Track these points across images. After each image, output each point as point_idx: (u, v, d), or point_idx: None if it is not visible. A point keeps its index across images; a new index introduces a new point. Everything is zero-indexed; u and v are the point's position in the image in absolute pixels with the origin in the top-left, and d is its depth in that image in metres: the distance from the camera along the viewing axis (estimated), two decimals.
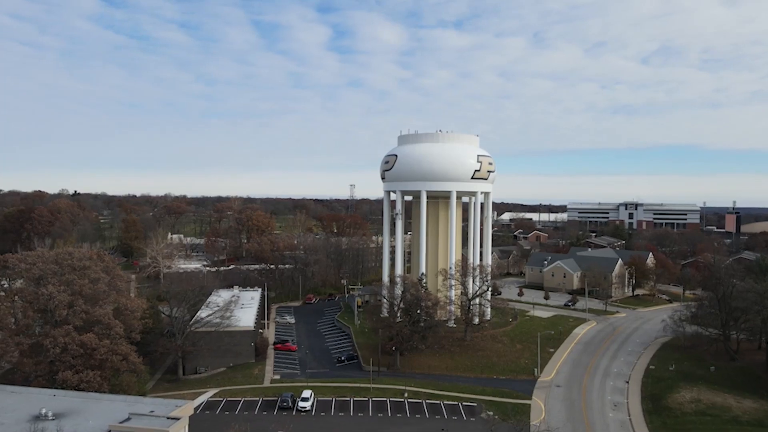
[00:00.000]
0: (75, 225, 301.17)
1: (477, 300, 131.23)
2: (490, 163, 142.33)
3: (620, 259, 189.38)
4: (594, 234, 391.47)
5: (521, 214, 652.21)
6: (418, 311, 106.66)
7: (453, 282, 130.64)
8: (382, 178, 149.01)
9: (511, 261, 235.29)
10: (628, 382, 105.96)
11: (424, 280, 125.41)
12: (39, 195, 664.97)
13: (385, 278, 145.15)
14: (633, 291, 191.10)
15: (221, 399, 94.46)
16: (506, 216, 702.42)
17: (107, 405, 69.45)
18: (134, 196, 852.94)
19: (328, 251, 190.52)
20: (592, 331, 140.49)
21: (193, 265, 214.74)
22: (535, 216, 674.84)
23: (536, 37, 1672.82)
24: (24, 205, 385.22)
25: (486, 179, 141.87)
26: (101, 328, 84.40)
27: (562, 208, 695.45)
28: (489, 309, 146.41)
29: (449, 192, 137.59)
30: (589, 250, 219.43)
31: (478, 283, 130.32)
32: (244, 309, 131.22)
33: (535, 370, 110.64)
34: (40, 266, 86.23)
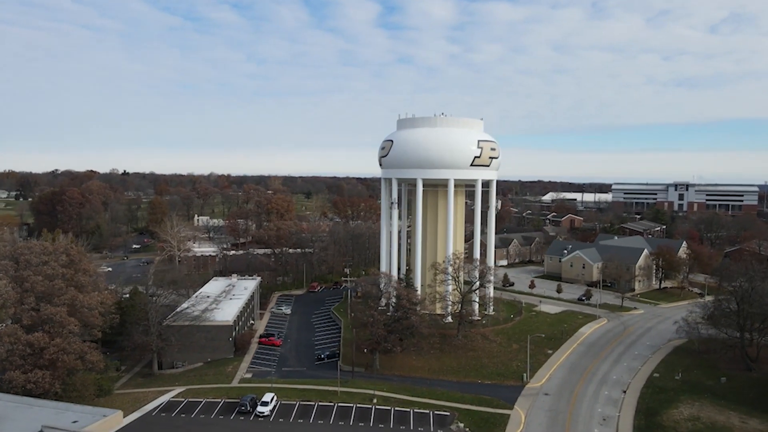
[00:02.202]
0: (106, 207, 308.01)
1: (471, 295, 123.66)
2: (493, 149, 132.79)
3: (646, 249, 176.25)
4: (639, 216, 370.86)
5: (562, 195, 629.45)
6: (397, 311, 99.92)
7: (453, 275, 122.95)
8: (380, 165, 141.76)
9: (533, 248, 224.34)
10: (625, 392, 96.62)
11: (411, 276, 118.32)
12: (89, 175, 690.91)
13: (383, 270, 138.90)
14: (660, 284, 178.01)
15: (183, 399, 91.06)
16: (549, 197, 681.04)
17: (34, 412, 66.85)
18: (180, 176, 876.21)
19: (335, 237, 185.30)
20: (601, 330, 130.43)
21: (207, 249, 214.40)
22: (579, 196, 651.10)
23: (594, 7, 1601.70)
24: (61, 186, 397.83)
25: (488, 166, 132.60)
26: (52, 327, 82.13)
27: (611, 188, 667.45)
28: (491, 304, 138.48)
29: (447, 180, 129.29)
30: (616, 238, 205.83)
31: (478, 276, 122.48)
32: (233, 300, 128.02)
33: (525, 375, 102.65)
34: None
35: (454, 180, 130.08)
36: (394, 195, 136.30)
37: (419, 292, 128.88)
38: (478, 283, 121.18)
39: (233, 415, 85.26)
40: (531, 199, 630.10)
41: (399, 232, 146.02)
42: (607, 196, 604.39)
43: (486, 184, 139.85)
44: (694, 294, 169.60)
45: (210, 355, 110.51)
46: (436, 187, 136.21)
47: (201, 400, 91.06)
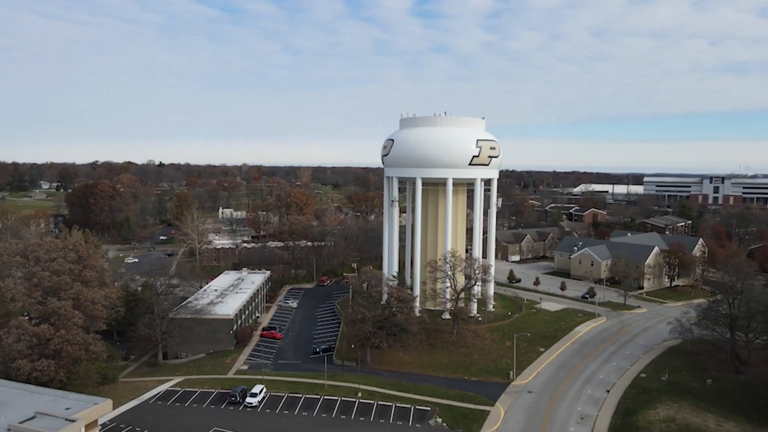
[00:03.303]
0: (136, 199, 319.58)
1: (468, 292, 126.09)
2: (492, 148, 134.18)
3: (656, 247, 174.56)
4: (671, 210, 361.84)
5: (592, 186, 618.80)
6: (384, 309, 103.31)
7: (448, 273, 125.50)
8: (383, 163, 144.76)
9: (547, 244, 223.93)
10: (608, 392, 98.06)
11: (403, 274, 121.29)
12: (126, 167, 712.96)
13: (385, 267, 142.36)
14: (671, 282, 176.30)
15: (180, 389, 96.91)
16: (581, 188, 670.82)
17: (33, 399, 72.67)
18: (213, 167, 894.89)
19: (345, 232, 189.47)
20: (598, 329, 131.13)
21: (227, 242, 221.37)
22: (611, 188, 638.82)
23: None
24: (98, 178, 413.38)
25: (487, 165, 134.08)
26: (58, 319, 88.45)
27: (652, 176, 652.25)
28: (491, 301, 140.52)
29: (445, 179, 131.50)
30: (629, 235, 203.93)
31: (473, 275, 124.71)
32: (238, 294, 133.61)
33: (511, 372, 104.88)
34: (4, 258, 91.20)
35: (453, 179, 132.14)
36: (394, 194, 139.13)
37: (418, 290, 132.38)
38: (473, 280, 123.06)
39: (224, 405, 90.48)
40: (561, 191, 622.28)
41: (409, 229, 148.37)
42: (640, 189, 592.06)
43: (488, 183, 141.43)
44: (705, 293, 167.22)
45: (212, 347, 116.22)
46: (436, 185, 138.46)
47: (196, 390, 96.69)
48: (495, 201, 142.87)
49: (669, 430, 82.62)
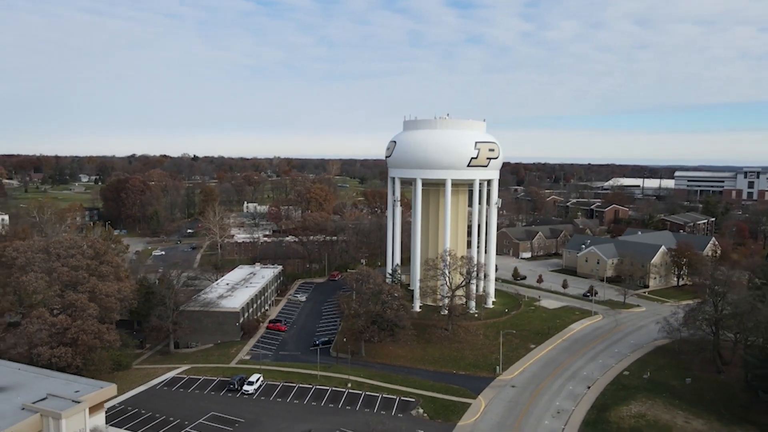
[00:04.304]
0: (165, 193, 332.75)
1: (465, 289, 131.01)
2: (491, 150, 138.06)
3: (663, 247, 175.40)
4: (701, 206, 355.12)
5: (620, 181, 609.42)
6: (376, 305, 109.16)
7: (443, 271, 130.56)
8: (387, 164, 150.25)
9: (560, 241, 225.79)
10: (589, 388, 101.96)
11: (398, 272, 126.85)
12: (161, 160, 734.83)
13: (388, 264, 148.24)
14: (678, 281, 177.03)
15: (185, 376, 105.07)
16: (612, 182, 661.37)
17: (48, 382, 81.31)
18: (245, 159, 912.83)
19: (357, 229, 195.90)
20: (591, 327, 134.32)
21: (246, 236, 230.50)
22: (645, 183, 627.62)
23: None
24: (133, 172, 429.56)
25: (485, 166, 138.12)
26: (74, 311, 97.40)
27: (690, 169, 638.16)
28: (491, 297, 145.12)
29: (444, 180, 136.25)
30: (640, 233, 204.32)
31: (470, 273, 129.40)
32: (248, 288, 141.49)
33: (497, 367, 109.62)
34: (28, 255, 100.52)
35: (452, 180, 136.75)
36: (396, 193, 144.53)
37: (417, 287, 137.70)
38: (468, 278, 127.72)
39: (223, 392, 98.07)
40: (591, 185, 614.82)
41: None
42: (672, 183, 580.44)
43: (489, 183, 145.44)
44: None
45: (220, 338, 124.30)
46: (437, 186, 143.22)
47: (200, 377, 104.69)
48: (495, 200, 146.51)
49: (637, 426, 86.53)
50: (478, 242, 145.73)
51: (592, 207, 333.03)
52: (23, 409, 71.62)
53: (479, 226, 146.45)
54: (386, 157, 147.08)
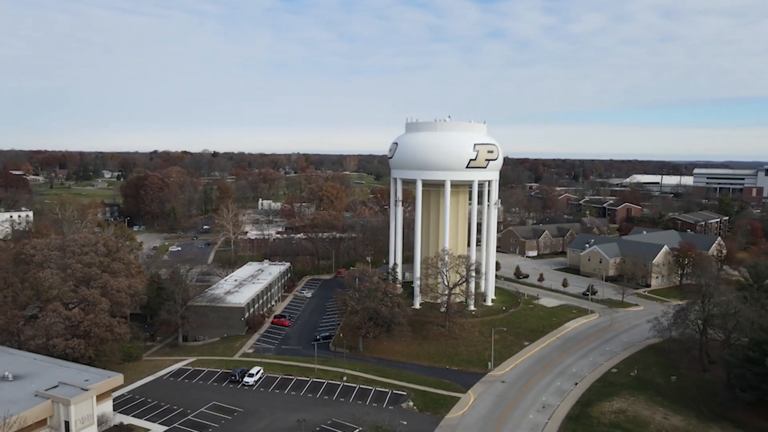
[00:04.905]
0: (183, 191, 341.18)
1: (463, 287, 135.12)
2: (490, 152, 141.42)
3: (665, 246, 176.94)
4: (719, 204, 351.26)
5: (637, 178, 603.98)
6: (371, 302, 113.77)
7: (440, 270, 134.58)
8: (390, 165, 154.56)
9: (567, 239, 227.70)
10: (576, 384, 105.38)
11: (396, 270, 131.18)
12: (181, 156, 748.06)
13: (391, 262, 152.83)
14: (681, 280, 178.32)
15: (191, 368, 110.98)
16: (636, 178, 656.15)
17: (62, 371, 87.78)
18: (264, 155, 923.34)
19: (364, 226, 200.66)
20: (586, 325, 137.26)
21: (258, 233, 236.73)
22: (663, 180, 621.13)
23: None
24: (154, 168, 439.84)
25: (484, 167, 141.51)
26: (87, 305, 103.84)
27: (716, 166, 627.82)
28: (490, 295, 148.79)
29: (443, 181, 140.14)
30: (644, 233, 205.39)
31: (467, 272, 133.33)
32: (254, 284, 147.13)
33: (489, 363, 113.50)
34: (45, 252, 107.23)
35: (451, 181, 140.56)
36: (398, 194, 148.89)
37: (418, 284, 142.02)
38: (464, 277, 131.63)
39: (225, 383, 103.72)
40: (609, 182, 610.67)
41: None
42: (690, 180, 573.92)
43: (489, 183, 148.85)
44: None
45: (226, 332, 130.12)
46: (438, 186, 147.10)
47: (204, 369, 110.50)
48: (494, 201, 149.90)
49: (616, 420, 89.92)
50: (479, 241, 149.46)
51: (604, 205, 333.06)
52: (36, 395, 78.02)
53: (479, 225, 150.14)
54: (389, 158, 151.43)
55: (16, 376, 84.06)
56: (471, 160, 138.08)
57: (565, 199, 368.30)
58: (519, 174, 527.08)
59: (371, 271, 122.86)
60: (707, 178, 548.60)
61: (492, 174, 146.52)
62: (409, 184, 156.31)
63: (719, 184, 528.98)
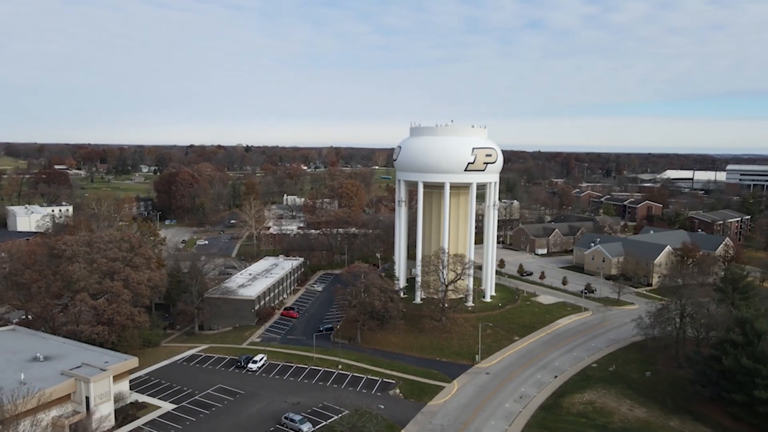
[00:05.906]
0: (212, 186, 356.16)
1: (459, 283, 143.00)
2: (489, 155, 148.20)
3: (668, 246, 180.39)
4: (752, 202, 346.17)
5: (668, 174, 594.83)
6: (367, 297, 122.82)
7: (437, 268, 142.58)
8: (394, 167, 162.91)
9: (577, 238, 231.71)
10: (556, 377, 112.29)
11: (394, 269, 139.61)
12: (215, 151, 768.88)
13: (396, 259, 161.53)
14: (683, 280, 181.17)
15: (202, 354, 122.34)
16: (667, 174, 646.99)
17: (86, 354, 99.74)
18: (296, 149, 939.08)
19: (375, 223, 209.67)
20: (577, 322, 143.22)
21: (276, 228, 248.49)
22: (695, 176, 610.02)
23: None
24: (184, 163, 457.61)
25: (482, 170, 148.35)
26: (110, 296, 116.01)
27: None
28: (490, 292, 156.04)
29: (443, 183, 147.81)
30: (651, 232, 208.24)
31: (463, 270, 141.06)
32: (267, 278, 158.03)
33: (476, 356, 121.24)
34: (74, 248, 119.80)
35: (451, 183, 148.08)
36: (402, 194, 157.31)
37: (419, 281, 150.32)
38: (460, 275, 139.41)
39: (231, 369, 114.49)
40: (640, 178, 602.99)
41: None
42: (723, 176, 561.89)
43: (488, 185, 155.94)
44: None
45: (238, 322, 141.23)
46: (439, 188, 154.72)
47: (214, 355, 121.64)
48: (494, 202, 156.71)
49: (584, 411, 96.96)
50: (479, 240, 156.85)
51: (624, 203, 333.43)
52: (62, 374, 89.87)
53: (479, 225, 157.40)
54: (393, 160, 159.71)
55: (47, 357, 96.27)
56: (469, 163, 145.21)
57: (587, 197, 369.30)
58: (544, 170, 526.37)
59: (369, 269, 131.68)
60: (740, 174, 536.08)
61: (491, 176, 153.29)
62: (412, 186, 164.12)
63: (753, 180, 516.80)
